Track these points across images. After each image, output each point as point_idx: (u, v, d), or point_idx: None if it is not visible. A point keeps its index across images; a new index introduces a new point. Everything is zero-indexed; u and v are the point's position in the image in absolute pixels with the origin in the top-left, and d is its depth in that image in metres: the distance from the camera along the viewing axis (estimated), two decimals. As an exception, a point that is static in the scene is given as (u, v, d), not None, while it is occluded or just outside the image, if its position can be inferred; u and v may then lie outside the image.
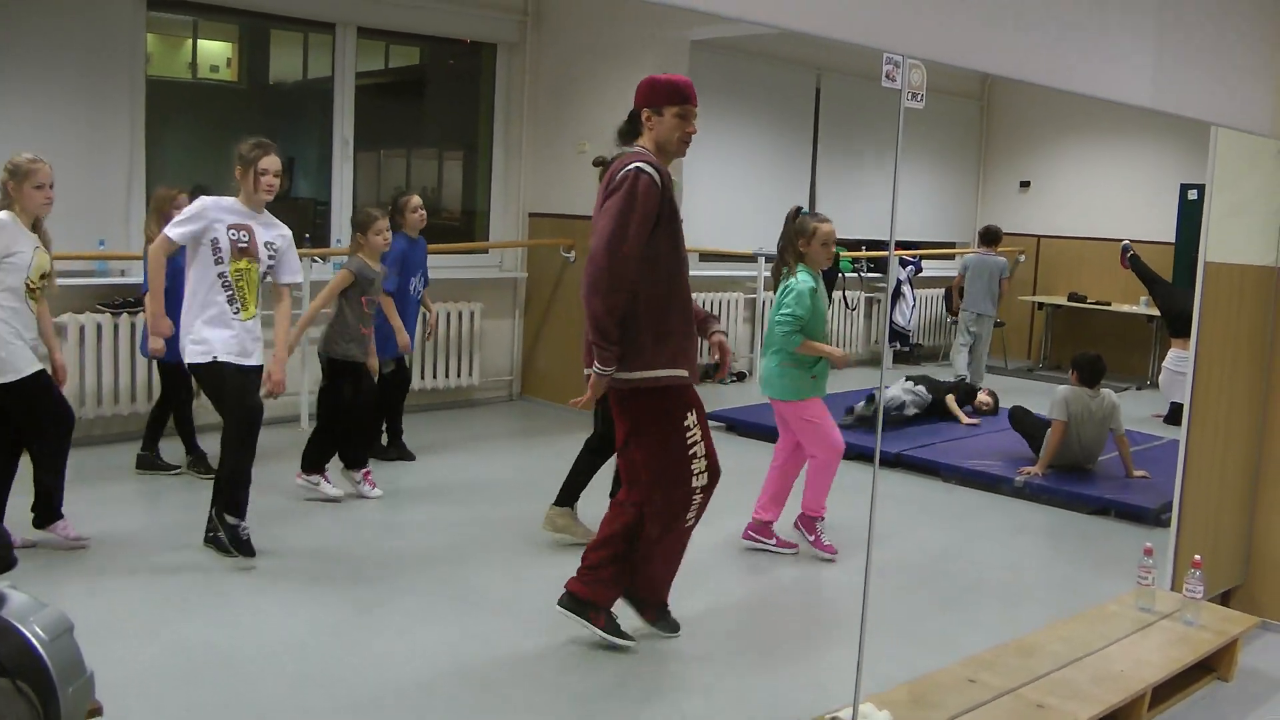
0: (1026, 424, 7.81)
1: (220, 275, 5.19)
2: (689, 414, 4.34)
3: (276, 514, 5.92)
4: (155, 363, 6.57)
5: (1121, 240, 11.70)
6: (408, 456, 7.37)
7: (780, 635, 4.94)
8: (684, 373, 4.30)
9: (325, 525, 5.81)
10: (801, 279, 5.63)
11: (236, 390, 5.23)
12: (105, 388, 7.20)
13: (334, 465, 6.40)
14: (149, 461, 6.61)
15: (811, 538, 5.82)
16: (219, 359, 5.19)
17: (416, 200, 7.17)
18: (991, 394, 9.49)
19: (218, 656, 4.25)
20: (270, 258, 5.33)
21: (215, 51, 8.71)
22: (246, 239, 5.23)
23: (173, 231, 5.19)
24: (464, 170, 10.09)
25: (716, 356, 4.70)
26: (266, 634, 4.49)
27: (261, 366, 5.34)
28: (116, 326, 7.18)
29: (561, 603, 4.43)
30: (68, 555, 5.23)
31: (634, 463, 4.39)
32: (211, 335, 5.18)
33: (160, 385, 6.68)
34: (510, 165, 9.56)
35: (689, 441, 4.33)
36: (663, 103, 4.20)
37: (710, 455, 4.45)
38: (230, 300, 5.20)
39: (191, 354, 5.22)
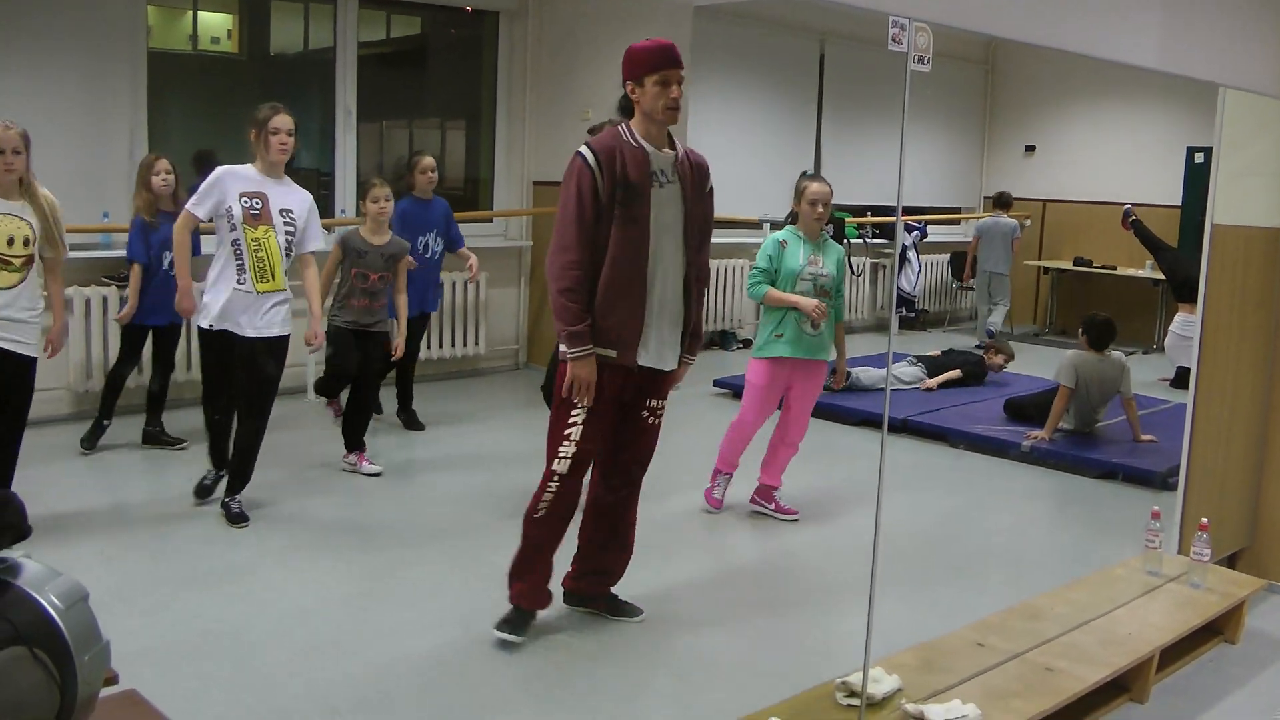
0: (1026, 410, 7.78)
1: (234, 243, 5.18)
2: (582, 400, 4.08)
3: (285, 485, 5.93)
4: (125, 331, 6.55)
5: (1126, 204, 11.67)
6: (417, 426, 7.39)
7: (788, 601, 4.95)
8: (610, 353, 4.05)
9: (334, 497, 5.83)
10: (775, 234, 5.71)
11: (243, 361, 5.25)
12: (111, 361, 7.20)
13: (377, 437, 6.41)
14: (154, 437, 6.62)
15: (709, 486, 6.00)
16: (215, 327, 5.22)
17: (427, 161, 7.20)
18: (999, 350, 9.48)
19: (228, 627, 4.27)
20: (289, 225, 5.29)
21: (216, 23, 8.67)
22: (259, 206, 5.20)
23: (195, 208, 5.21)
24: (467, 139, 10.06)
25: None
26: (277, 605, 4.51)
27: (282, 337, 5.32)
28: (122, 299, 7.17)
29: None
30: (81, 526, 5.25)
31: (655, 438, 4.40)
32: (214, 302, 5.21)
33: (120, 345, 6.65)
34: (514, 134, 9.53)
35: (568, 421, 4.11)
36: (642, 72, 4.01)
37: (583, 447, 4.13)
38: (240, 269, 5.18)
39: (198, 319, 5.31)
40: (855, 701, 3.40)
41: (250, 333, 5.23)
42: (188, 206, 5.24)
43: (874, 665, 3.49)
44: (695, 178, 4.21)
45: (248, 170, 5.27)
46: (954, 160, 13.70)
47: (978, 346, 10.49)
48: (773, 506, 5.88)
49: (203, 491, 5.64)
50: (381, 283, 6.30)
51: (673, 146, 4.17)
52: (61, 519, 5.29)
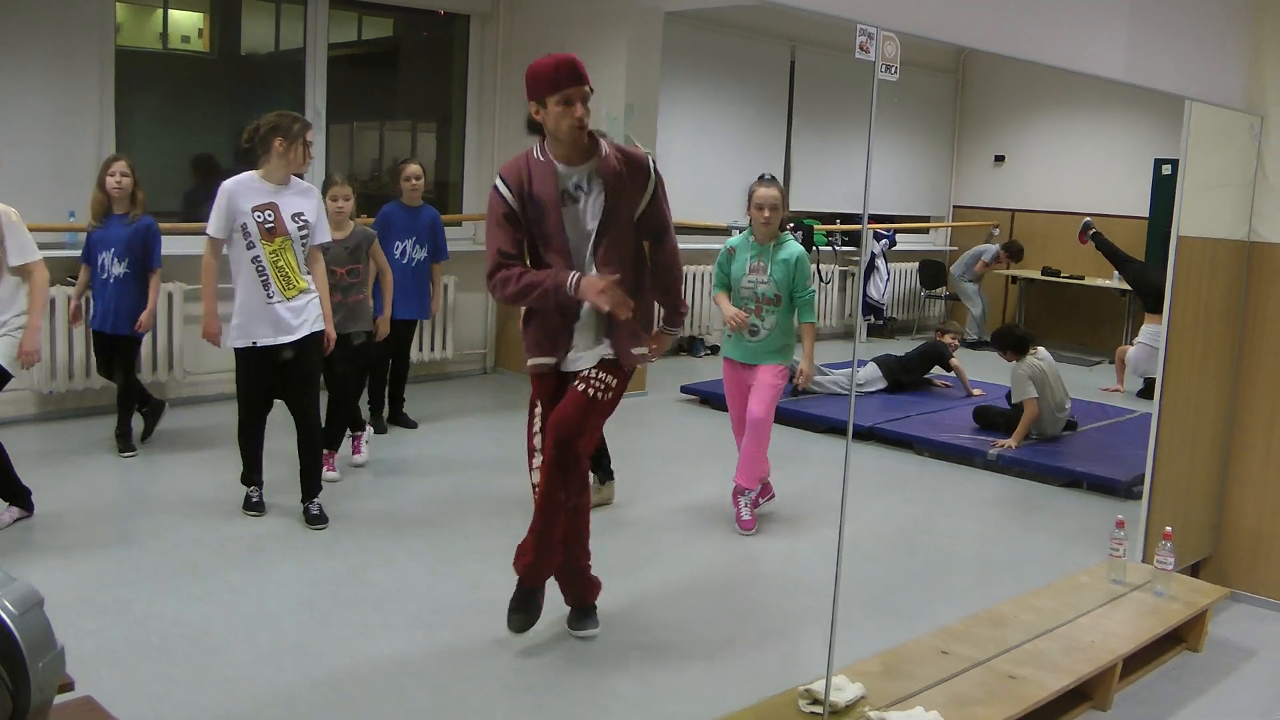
0: (992, 417, 7.82)
1: (254, 260, 5.19)
2: (537, 405, 4.29)
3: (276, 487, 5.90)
4: (91, 333, 6.50)
5: (1089, 215, 11.75)
6: (410, 424, 7.56)
7: (752, 608, 4.96)
8: (545, 360, 4.25)
9: (297, 499, 5.79)
10: (730, 239, 5.84)
11: (289, 366, 5.35)
12: (76, 361, 7.15)
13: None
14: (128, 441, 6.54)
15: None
16: (258, 344, 5.27)
17: (412, 169, 7.22)
18: (954, 337, 9.60)
19: (190, 630, 4.24)
20: (302, 229, 5.29)
21: (186, 22, 8.61)
22: (272, 218, 5.20)
23: (213, 230, 5.22)
24: (437, 142, 10.03)
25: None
26: (239, 607, 4.47)
27: (320, 332, 5.40)
28: (87, 299, 7.12)
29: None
30: (40, 530, 5.20)
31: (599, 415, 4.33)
32: (249, 321, 5.24)
33: (96, 357, 6.59)
34: (484, 137, 9.51)
35: (532, 432, 4.30)
36: (544, 92, 3.90)
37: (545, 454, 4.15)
38: (265, 285, 5.21)
39: (233, 338, 5.31)
40: (818, 709, 3.41)
41: (289, 337, 5.28)
42: (210, 233, 5.24)
43: (837, 673, 3.50)
44: (626, 178, 4.07)
45: (253, 181, 5.23)
46: (924, 169, 13.76)
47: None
48: (737, 511, 5.87)
49: (256, 508, 5.58)
50: (351, 277, 6.24)
51: (592, 155, 4.04)
52: (20, 521, 5.24)
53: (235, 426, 5.57)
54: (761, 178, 5.73)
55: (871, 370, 9.06)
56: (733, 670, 4.19)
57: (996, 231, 13.60)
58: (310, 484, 5.50)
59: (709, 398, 8.56)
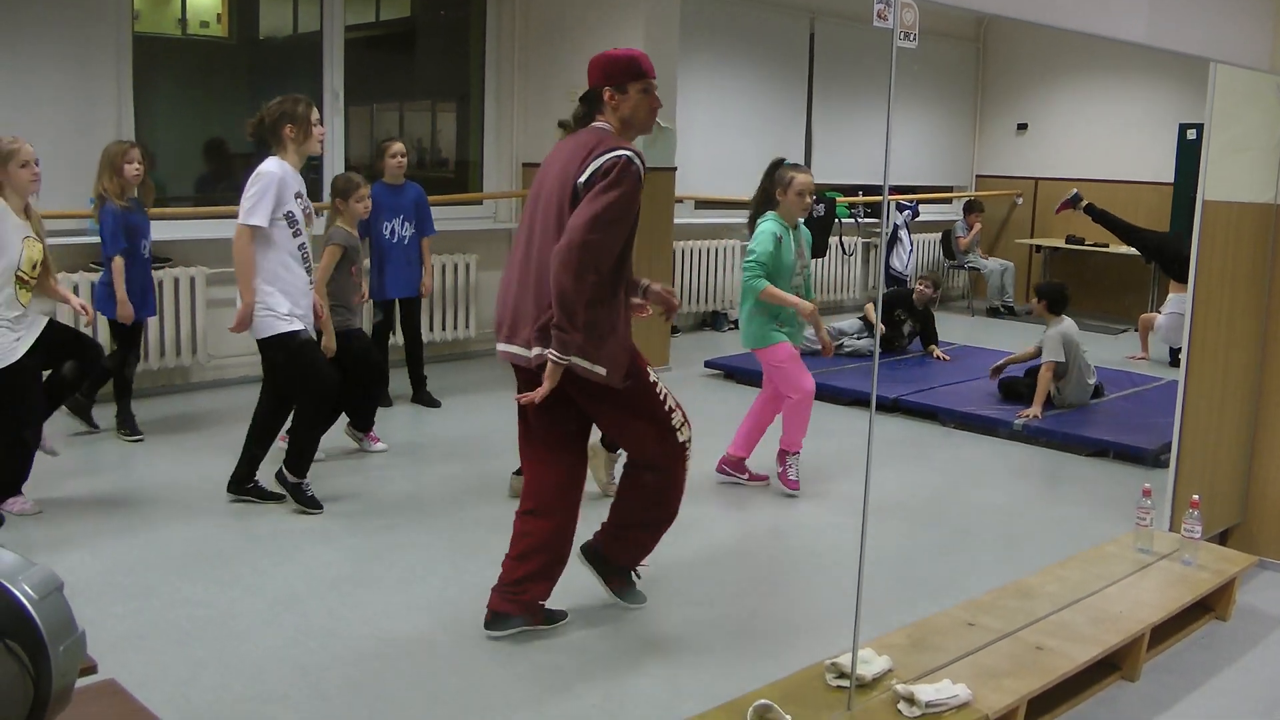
0: (1017, 388, 7.73)
1: (301, 248, 5.18)
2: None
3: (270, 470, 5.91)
4: (110, 322, 6.47)
5: (1118, 179, 11.67)
6: (433, 403, 7.57)
7: (777, 581, 4.96)
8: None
9: (322, 480, 5.80)
10: (765, 226, 5.69)
11: (320, 359, 5.38)
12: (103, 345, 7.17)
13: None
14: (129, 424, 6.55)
15: (780, 469, 5.92)
16: (308, 331, 5.29)
17: (396, 146, 7.23)
18: (926, 285, 9.52)
19: (215, 613, 4.26)
20: (308, 214, 5.34)
21: (204, 7, 8.60)
22: (308, 206, 5.27)
23: (259, 218, 5.03)
24: (457, 121, 10.01)
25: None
26: (263, 589, 4.49)
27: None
28: (94, 288, 7.15)
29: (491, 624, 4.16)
30: (63, 515, 5.23)
31: (642, 438, 4.33)
32: (297, 308, 5.19)
33: (115, 343, 6.55)
34: (503, 116, 9.48)
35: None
36: (626, 79, 4.00)
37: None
38: (309, 271, 5.27)
39: (281, 325, 5.14)
40: (845, 683, 3.39)
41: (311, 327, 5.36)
42: (250, 221, 5.03)
43: (864, 646, 3.48)
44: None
45: (289, 169, 5.15)
46: (945, 139, 13.66)
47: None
48: (746, 477, 5.99)
49: (315, 504, 5.42)
50: (360, 275, 6.27)
51: None
52: (43, 506, 5.27)
53: (262, 415, 5.57)
54: (790, 164, 5.75)
55: (854, 323, 9.36)
56: (759, 644, 4.18)
57: (1020, 201, 13.50)
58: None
59: (733, 372, 8.55)
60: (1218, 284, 5.02)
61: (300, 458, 5.40)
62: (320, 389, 5.34)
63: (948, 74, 13.44)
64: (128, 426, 6.47)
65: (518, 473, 5.66)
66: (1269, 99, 5.03)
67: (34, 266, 5.05)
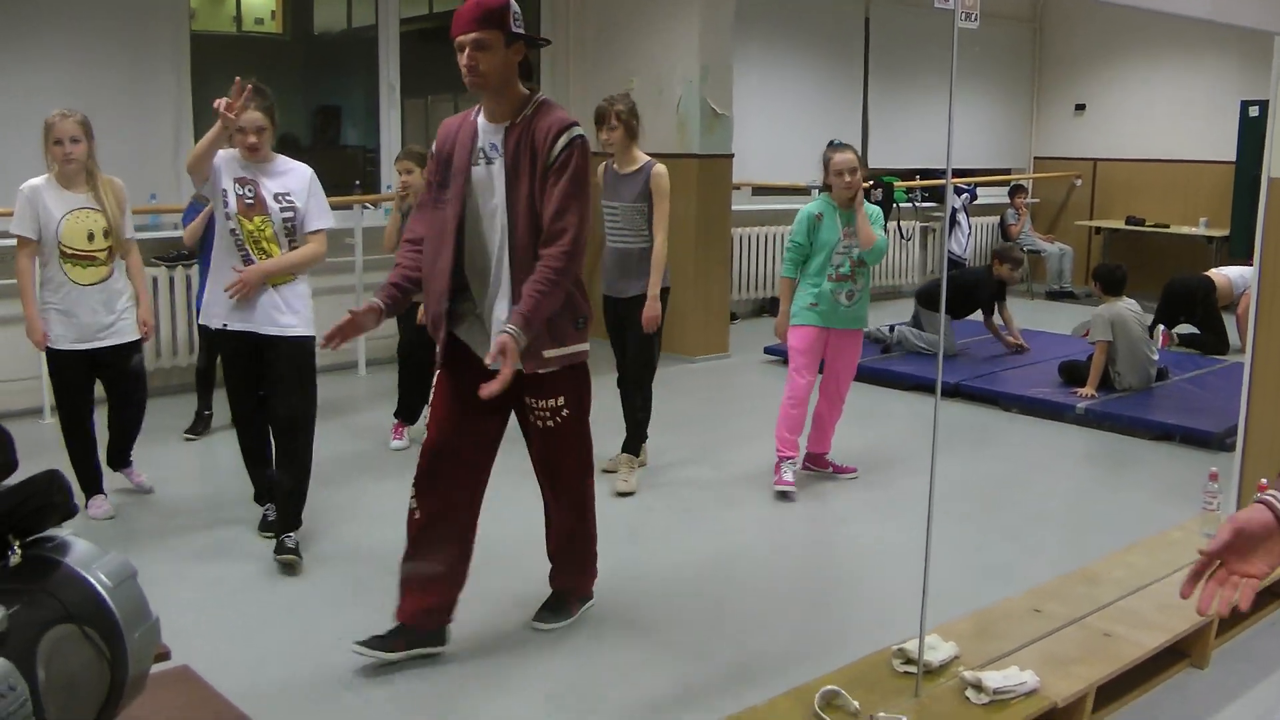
0: (1079, 372, 7.60)
1: (232, 232, 4.60)
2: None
3: (350, 461, 5.96)
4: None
5: (1178, 159, 11.46)
6: None
7: (842, 568, 4.94)
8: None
9: (386, 467, 5.84)
10: (807, 207, 5.71)
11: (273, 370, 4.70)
12: (163, 341, 7.26)
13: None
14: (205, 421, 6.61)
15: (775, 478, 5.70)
16: (229, 327, 4.65)
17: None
18: (1012, 268, 8.82)
19: (284, 602, 4.30)
20: (287, 209, 4.63)
21: (259, 5, 8.68)
22: (253, 194, 4.60)
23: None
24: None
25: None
26: (329, 580, 4.53)
27: (300, 339, 4.67)
28: (172, 280, 7.24)
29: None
30: (131, 506, 5.30)
31: (566, 442, 3.91)
32: (218, 299, 4.65)
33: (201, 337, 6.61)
34: (559, 103, 9.48)
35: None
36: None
37: (429, 431, 3.90)
38: (246, 260, 4.58)
39: (204, 317, 4.80)
40: (912, 669, 3.38)
41: (272, 332, 4.65)
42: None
43: (930, 632, 3.46)
44: (529, 150, 3.61)
45: (234, 154, 4.67)
46: (1003, 121, 13.51)
47: None
48: (830, 469, 5.92)
49: (268, 527, 4.89)
50: None
51: (519, 115, 3.68)
52: (117, 496, 5.34)
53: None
54: (833, 144, 5.70)
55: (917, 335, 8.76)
56: (824, 630, 4.17)
57: (1079, 182, 13.34)
58: (287, 518, 4.71)
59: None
60: (1286, 262, 4.93)
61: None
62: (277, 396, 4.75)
63: (1005, 56, 13.30)
64: (200, 426, 6.55)
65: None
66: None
67: (90, 238, 4.87)
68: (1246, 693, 3.87)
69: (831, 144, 5.72)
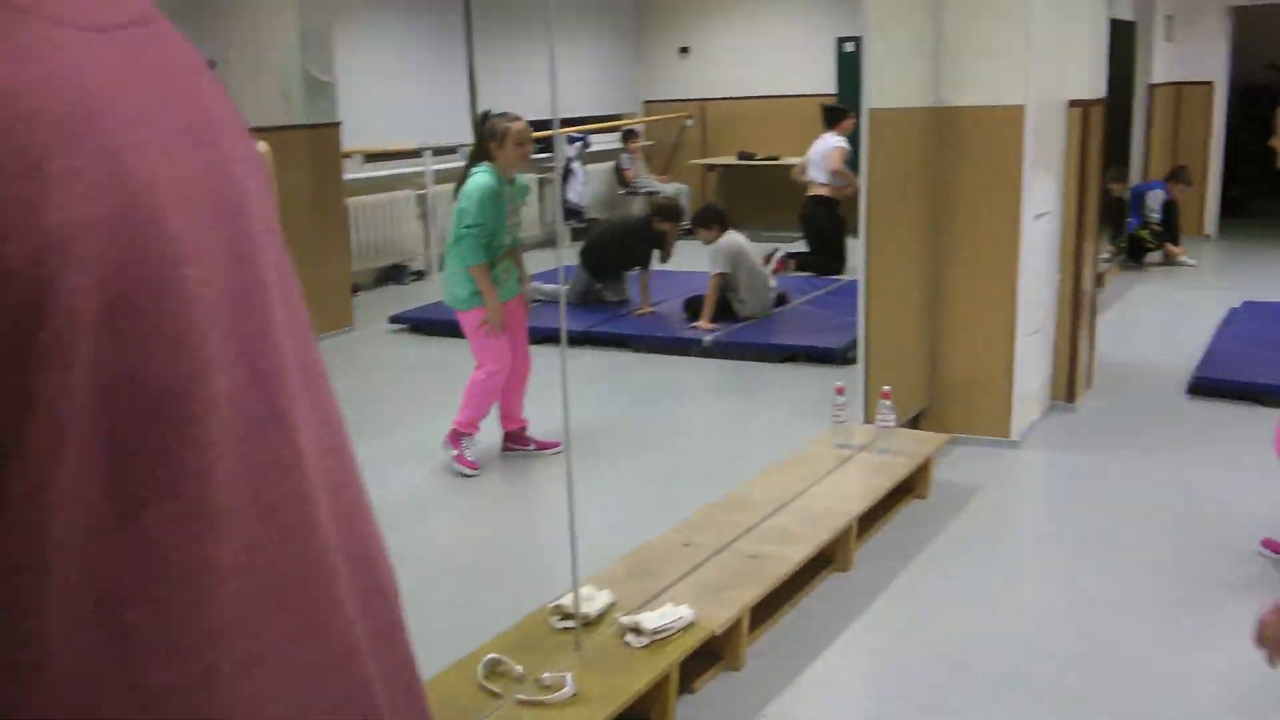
0: (696, 306, 7.75)
1: None
2: None
3: None
4: None
5: (782, 94, 11.90)
6: None
7: (493, 533, 4.83)
8: None
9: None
10: (476, 180, 5.12)
11: None
12: None
13: None
14: None
15: (454, 450, 5.35)
16: None
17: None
18: (664, 215, 8.46)
19: None
20: None
21: None
22: None
23: None
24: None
25: None
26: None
27: None
28: None
29: None
30: None
31: None
32: None
33: None
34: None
35: None
36: None
37: None
38: None
39: None
40: (571, 624, 3.30)
41: None
42: None
43: (584, 584, 3.39)
44: None
45: None
46: (610, 67, 13.67)
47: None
48: (533, 446, 5.56)
49: None
50: None
51: None
52: None
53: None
54: (501, 113, 5.33)
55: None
56: (485, 599, 4.04)
57: (689, 123, 13.69)
58: None
59: (420, 324, 8.26)
60: (888, 185, 5.15)
61: None
62: None
63: (607, 2, 13.43)
64: None
65: None
66: (920, 8, 5.19)
67: None
68: (891, 584, 4.06)
69: (496, 114, 5.29)
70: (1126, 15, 9.62)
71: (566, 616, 3.34)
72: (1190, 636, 3.71)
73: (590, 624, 3.34)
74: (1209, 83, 11.87)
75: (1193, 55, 11.85)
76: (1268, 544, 4.19)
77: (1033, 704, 3.35)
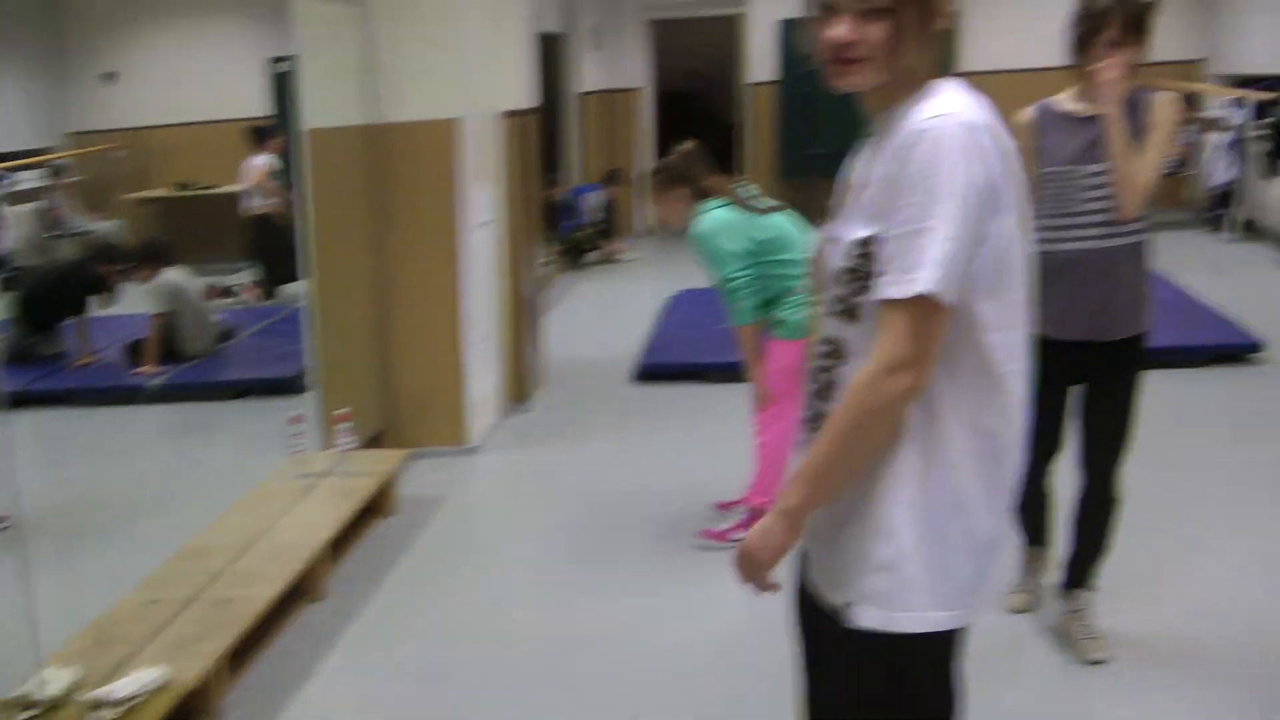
0: (140, 350, 7.33)
1: None
2: None
3: None
4: None
5: (215, 119, 11.62)
6: None
7: None
8: None
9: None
10: None
11: None
12: None
13: None
14: None
15: None
16: None
17: None
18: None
19: None
20: None
21: None
22: None
23: None
24: None
25: None
26: None
27: None
28: None
29: None
30: None
31: None
32: None
33: None
34: None
35: None
36: None
37: None
38: None
39: None
40: (35, 712, 3.17)
41: None
42: None
43: (46, 665, 3.28)
44: None
45: None
46: (26, 98, 12.77)
47: None
48: None
49: None
50: None
51: None
52: None
53: None
54: None
55: None
56: None
57: (123, 154, 13.07)
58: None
59: None
60: (332, 205, 5.23)
61: None
62: None
63: (19, 26, 12.52)
64: None
65: None
66: (351, 29, 5.35)
67: None
68: (364, 609, 4.18)
69: None
70: (554, 28, 10.24)
71: (30, 706, 3.20)
72: (676, 604, 4.12)
73: (56, 707, 3.22)
74: (637, 89, 12.95)
75: (620, 64, 12.89)
76: (708, 534, 4.59)
77: (530, 693, 3.59)
